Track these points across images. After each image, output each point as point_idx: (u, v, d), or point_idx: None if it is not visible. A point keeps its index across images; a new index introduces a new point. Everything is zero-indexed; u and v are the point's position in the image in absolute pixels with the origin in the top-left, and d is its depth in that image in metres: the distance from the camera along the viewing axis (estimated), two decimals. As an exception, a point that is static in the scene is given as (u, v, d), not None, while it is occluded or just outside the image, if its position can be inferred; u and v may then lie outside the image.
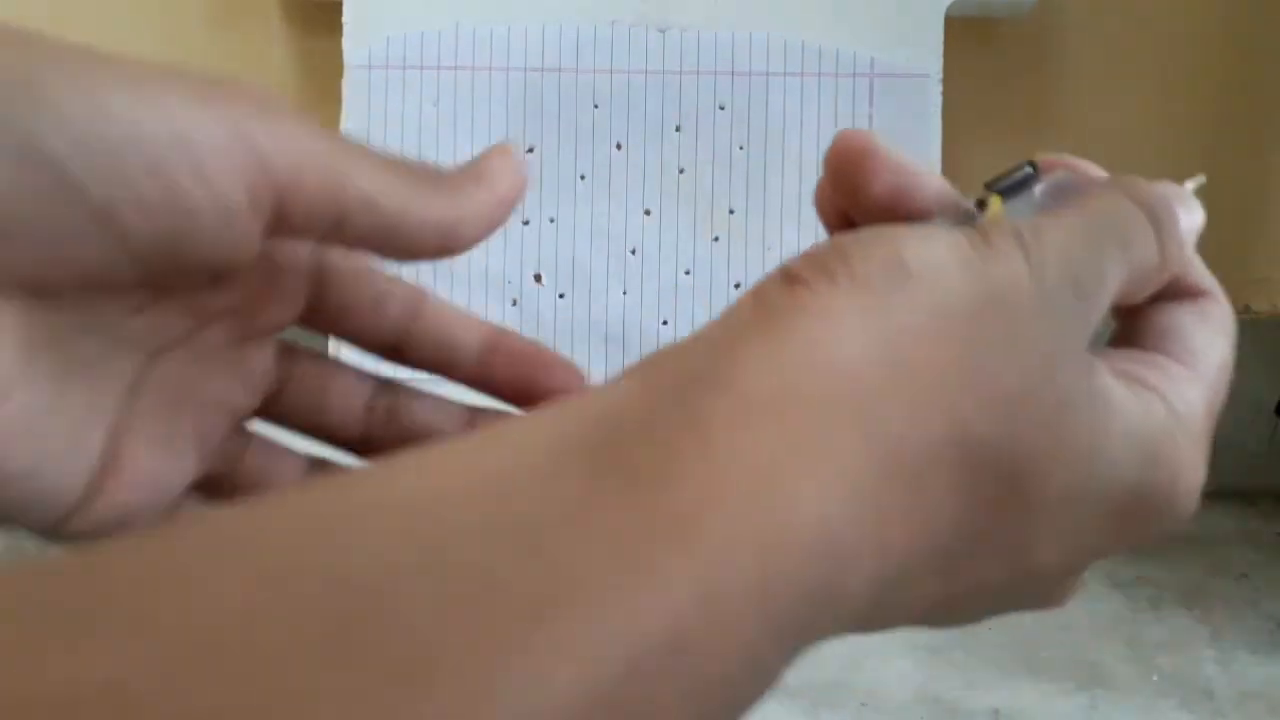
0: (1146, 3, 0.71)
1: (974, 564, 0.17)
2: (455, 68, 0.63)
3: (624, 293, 0.63)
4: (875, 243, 0.17)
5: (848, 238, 0.17)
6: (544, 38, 0.63)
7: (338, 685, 0.10)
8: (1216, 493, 0.75)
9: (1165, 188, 0.22)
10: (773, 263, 0.66)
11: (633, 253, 0.63)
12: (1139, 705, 0.46)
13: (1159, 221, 0.20)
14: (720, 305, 0.68)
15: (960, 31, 0.67)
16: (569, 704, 0.11)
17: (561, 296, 0.63)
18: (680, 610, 0.12)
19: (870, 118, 0.62)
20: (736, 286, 0.62)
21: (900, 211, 0.20)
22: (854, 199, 0.21)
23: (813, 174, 0.62)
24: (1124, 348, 0.21)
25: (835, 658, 0.49)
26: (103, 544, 0.12)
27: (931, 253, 0.17)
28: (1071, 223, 0.19)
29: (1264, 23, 0.72)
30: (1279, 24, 0.72)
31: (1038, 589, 0.19)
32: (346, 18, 0.63)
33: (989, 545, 0.17)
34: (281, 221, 0.18)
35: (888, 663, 0.49)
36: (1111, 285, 0.19)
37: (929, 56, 0.62)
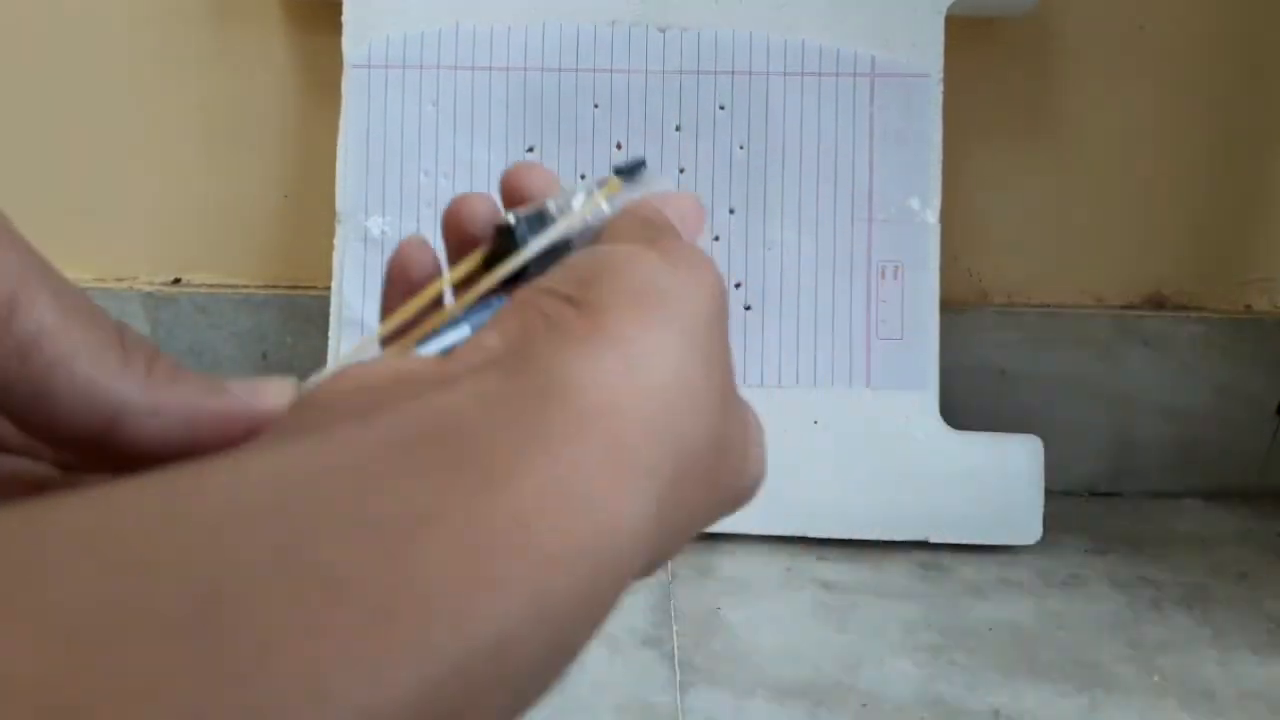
0: (1146, 3, 0.71)
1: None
2: (455, 67, 0.63)
3: (624, 293, 0.63)
4: (624, 272, 0.19)
5: (599, 265, 0.19)
6: (544, 37, 0.63)
7: (186, 671, 0.11)
8: (1217, 493, 0.74)
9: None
10: (773, 262, 0.66)
11: (633, 253, 0.63)
12: (1140, 705, 0.46)
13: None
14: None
15: (960, 31, 0.67)
16: (398, 699, 0.12)
17: (561, 296, 0.63)
18: (513, 614, 0.13)
19: (871, 117, 0.62)
20: (737, 286, 0.62)
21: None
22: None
23: (813, 174, 0.62)
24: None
25: (835, 658, 0.49)
26: None
27: (669, 277, 0.19)
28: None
29: (1264, 23, 0.72)
30: (1279, 24, 0.71)
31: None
32: (346, 17, 0.63)
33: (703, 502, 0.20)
34: None
35: (888, 663, 0.49)
36: None
37: (929, 56, 0.62)
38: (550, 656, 0.14)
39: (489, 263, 0.22)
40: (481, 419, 0.15)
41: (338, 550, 0.12)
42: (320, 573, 0.12)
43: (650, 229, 0.22)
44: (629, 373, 0.17)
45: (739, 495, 0.22)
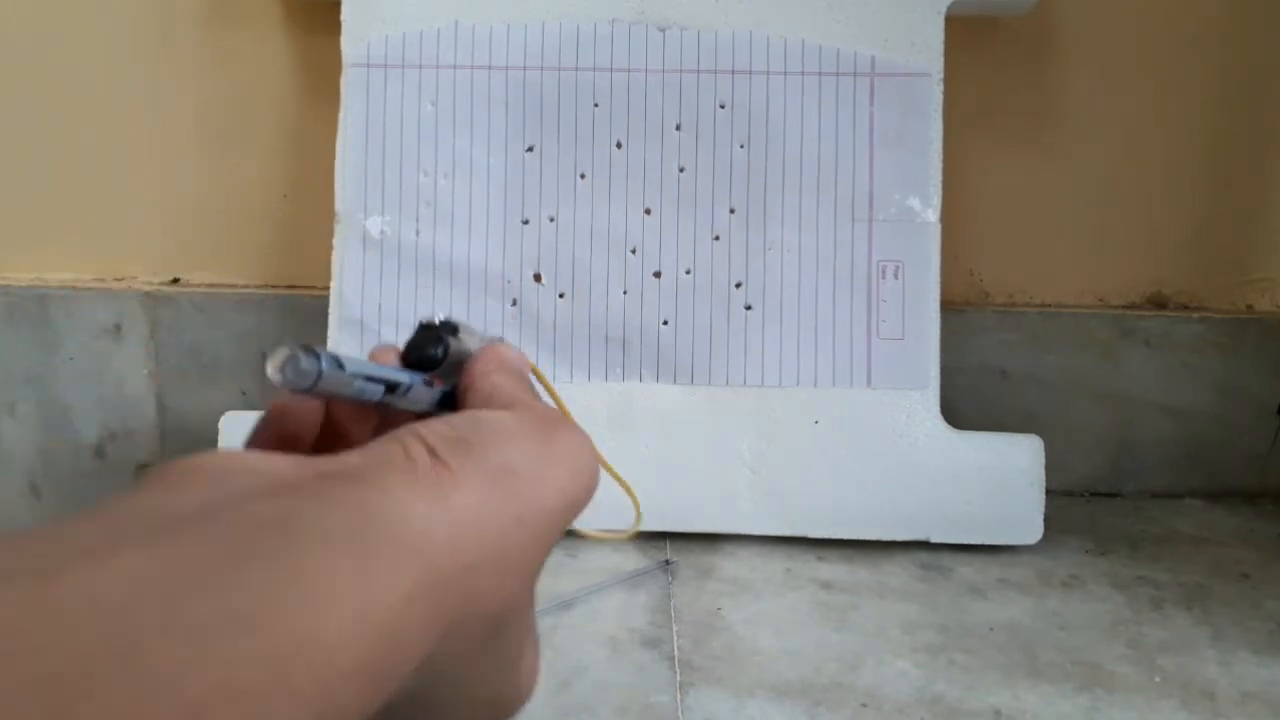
0: (1147, 3, 0.71)
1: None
2: (454, 66, 0.63)
3: (624, 293, 0.63)
4: (492, 445, 0.22)
5: (475, 431, 0.22)
6: (544, 36, 0.63)
7: None
8: (1218, 493, 0.74)
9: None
10: (773, 262, 0.65)
11: (633, 253, 0.63)
12: (1140, 706, 0.46)
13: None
14: (720, 305, 0.68)
15: (960, 31, 0.67)
16: None
17: (561, 296, 0.63)
18: (300, 716, 0.15)
19: (871, 117, 0.62)
20: (737, 286, 0.62)
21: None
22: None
23: (813, 173, 0.62)
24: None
25: (835, 658, 0.49)
26: None
27: (534, 464, 0.22)
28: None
29: (1264, 23, 0.72)
30: (1279, 24, 0.71)
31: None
32: (345, 17, 0.63)
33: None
34: None
35: (888, 663, 0.49)
36: None
37: (929, 56, 0.62)
38: None
39: (407, 352, 0.26)
40: (310, 528, 0.17)
41: (162, 650, 0.15)
42: (145, 670, 0.14)
43: (525, 387, 0.25)
44: (450, 530, 0.19)
45: (510, 699, 0.24)
